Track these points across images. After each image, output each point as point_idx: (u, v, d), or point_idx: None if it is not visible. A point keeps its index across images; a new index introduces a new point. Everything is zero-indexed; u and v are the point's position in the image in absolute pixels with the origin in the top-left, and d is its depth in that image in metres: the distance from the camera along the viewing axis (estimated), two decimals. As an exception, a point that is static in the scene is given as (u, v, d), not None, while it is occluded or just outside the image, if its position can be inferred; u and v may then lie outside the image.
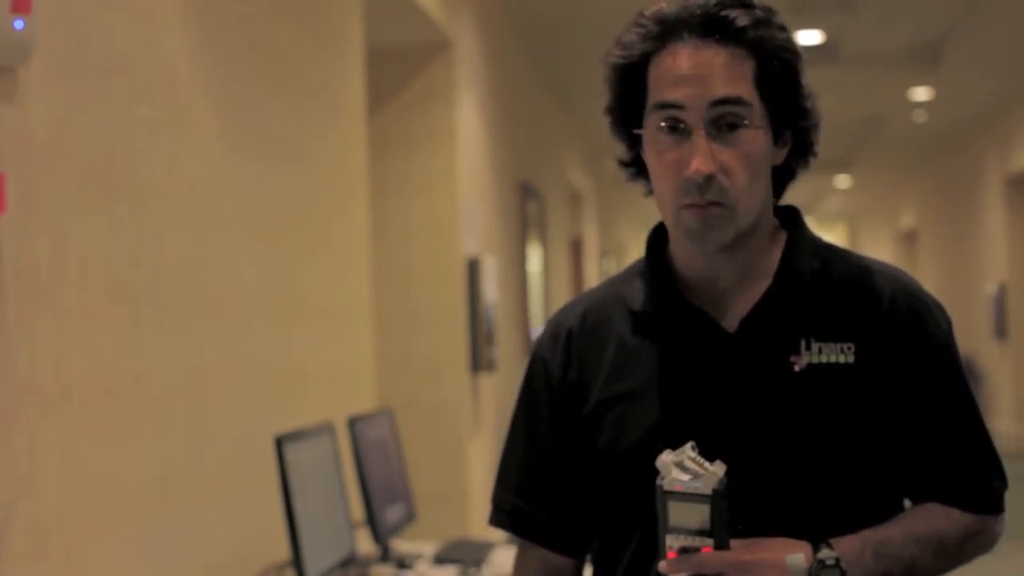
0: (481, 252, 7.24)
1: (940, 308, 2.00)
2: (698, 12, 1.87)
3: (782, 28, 1.90)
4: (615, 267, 18.60)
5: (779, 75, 1.87)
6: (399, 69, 6.77)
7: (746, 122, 1.85)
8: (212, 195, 3.66)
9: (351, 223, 5.08)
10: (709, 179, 1.83)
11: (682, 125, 1.86)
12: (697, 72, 1.85)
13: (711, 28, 1.86)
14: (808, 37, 10.06)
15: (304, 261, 4.47)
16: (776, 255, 1.98)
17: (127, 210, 3.09)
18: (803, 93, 1.91)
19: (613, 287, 2.09)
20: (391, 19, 6.18)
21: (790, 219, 2.03)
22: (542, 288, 10.92)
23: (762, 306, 1.94)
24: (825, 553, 1.81)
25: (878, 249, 24.80)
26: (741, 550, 1.79)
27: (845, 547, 1.83)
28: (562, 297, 12.21)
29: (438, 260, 6.76)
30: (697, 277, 1.98)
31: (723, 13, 1.86)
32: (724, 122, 1.84)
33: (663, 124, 1.87)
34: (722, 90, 1.84)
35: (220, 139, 3.72)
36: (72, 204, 2.83)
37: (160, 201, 3.29)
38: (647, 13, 1.91)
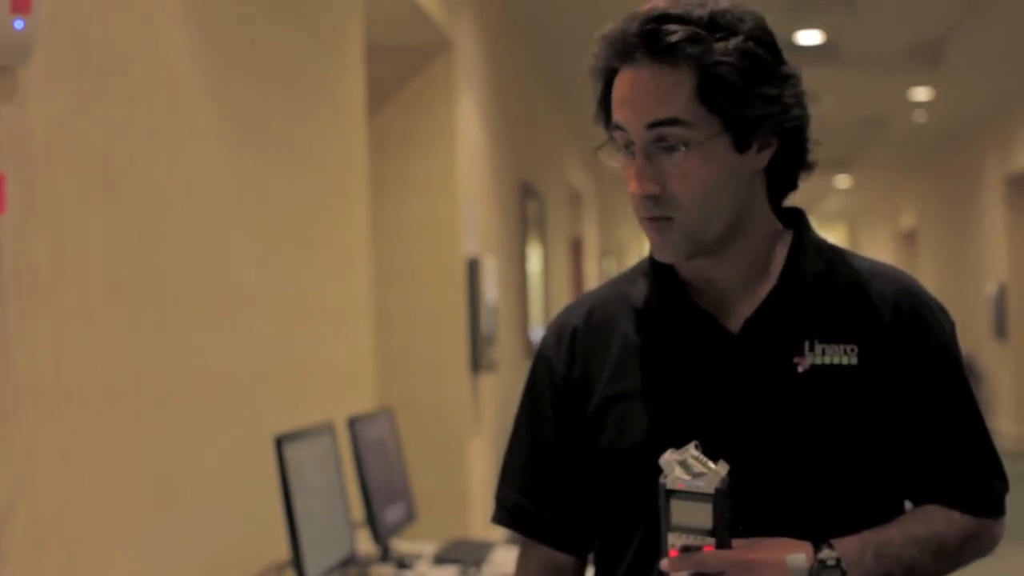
0: (481, 252, 7.24)
1: (943, 311, 2.00)
2: (640, 31, 1.87)
3: (730, 34, 1.86)
4: (615, 267, 18.60)
5: (722, 87, 1.85)
6: (399, 69, 6.77)
7: (685, 140, 1.85)
8: (212, 195, 3.66)
9: (351, 223, 5.08)
10: (653, 197, 1.87)
11: (631, 145, 1.89)
12: (634, 95, 1.88)
13: (650, 46, 1.86)
14: (808, 37, 10.06)
15: (304, 261, 4.47)
16: (780, 256, 1.98)
17: (127, 210, 3.09)
18: (755, 100, 1.87)
19: (617, 286, 2.10)
20: (391, 19, 6.18)
21: (795, 221, 2.03)
22: (542, 288, 10.92)
23: (766, 307, 1.94)
24: (826, 553, 1.81)
25: (878, 249, 24.81)
26: (742, 549, 1.79)
27: (846, 548, 1.83)
28: (562, 297, 12.21)
29: (438, 260, 6.76)
30: (697, 278, 1.98)
31: (658, 29, 1.86)
32: (662, 143, 1.86)
33: (620, 143, 1.92)
34: (655, 113, 1.86)
35: (220, 139, 3.72)
36: (72, 204, 2.83)
37: (160, 201, 3.29)
38: (603, 33, 1.93)
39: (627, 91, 1.88)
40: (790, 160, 1.98)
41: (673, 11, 1.87)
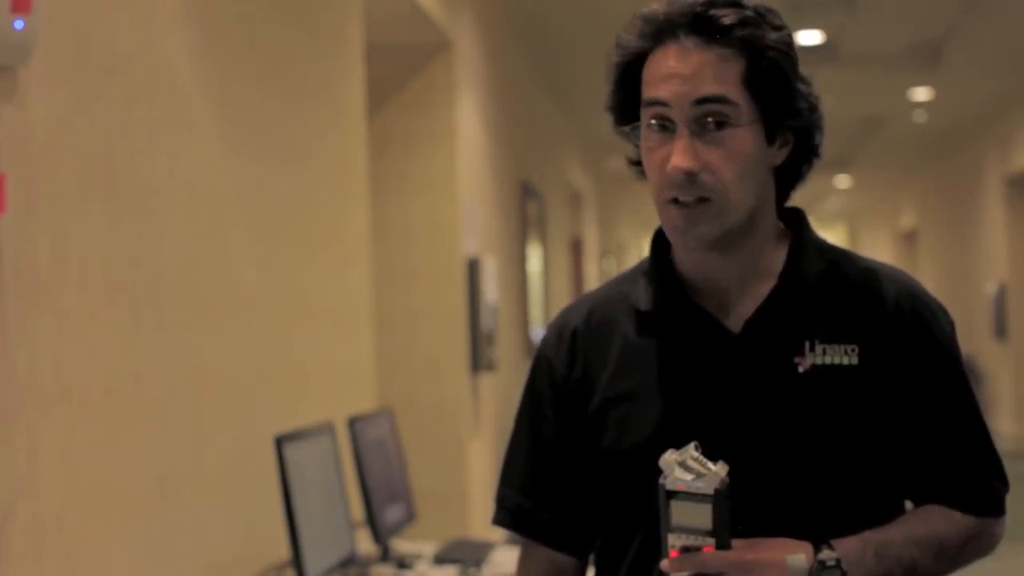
0: (481, 252, 7.24)
1: (944, 312, 2.00)
2: (688, 12, 1.89)
3: (776, 27, 1.90)
4: (615, 267, 18.61)
5: (769, 74, 1.87)
6: (399, 69, 6.78)
7: (731, 120, 1.85)
8: (212, 195, 3.66)
9: (351, 223, 5.08)
10: (691, 176, 1.85)
11: (669, 123, 1.88)
12: (683, 71, 1.87)
13: (700, 27, 1.87)
14: (808, 37, 10.06)
15: (304, 261, 4.47)
16: (781, 256, 1.98)
17: (127, 210, 3.09)
18: (795, 92, 1.91)
19: (618, 287, 2.10)
20: (391, 19, 6.18)
21: (796, 221, 2.03)
22: (542, 288, 10.92)
23: (766, 307, 1.94)
24: (826, 554, 1.81)
25: (878, 249, 24.81)
26: (742, 550, 1.80)
27: (846, 548, 1.84)
28: (562, 297, 12.21)
29: (438, 260, 6.77)
30: (700, 277, 1.98)
31: (711, 12, 1.88)
32: (708, 120, 1.86)
33: (652, 121, 1.90)
34: (706, 89, 1.85)
35: (220, 139, 3.72)
36: (72, 204, 2.83)
37: (160, 201, 3.29)
38: (642, 14, 1.93)
39: (674, 66, 1.87)
40: (800, 161, 1.98)
41: None
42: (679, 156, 1.85)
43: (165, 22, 3.37)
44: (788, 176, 2.00)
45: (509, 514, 2.13)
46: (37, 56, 2.63)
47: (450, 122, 6.81)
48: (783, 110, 1.90)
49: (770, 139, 1.91)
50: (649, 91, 1.90)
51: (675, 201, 1.87)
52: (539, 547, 2.12)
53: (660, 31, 1.89)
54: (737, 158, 1.86)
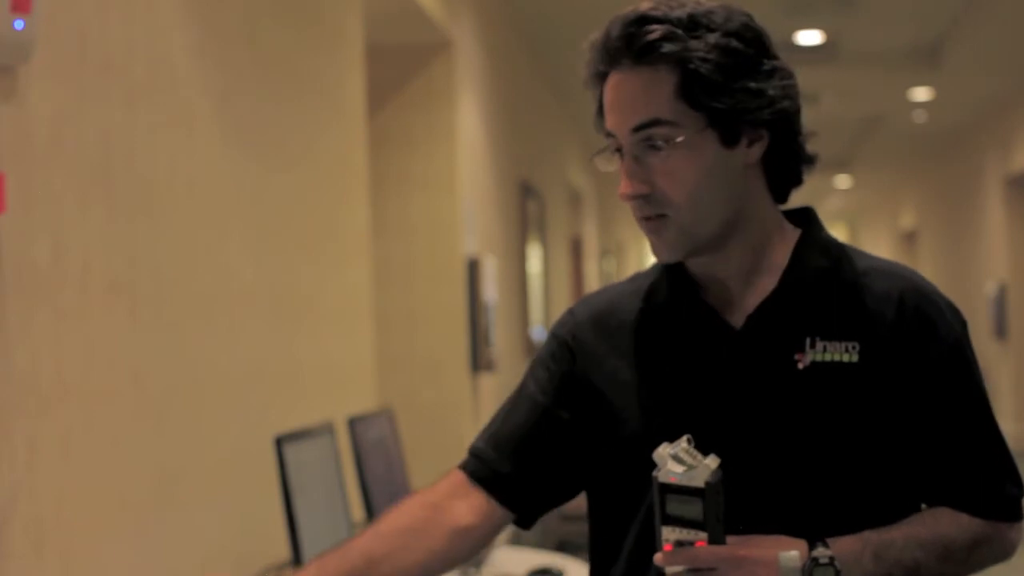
0: (481, 252, 7.24)
1: (953, 310, 1.99)
2: (622, 33, 1.90)
3: (712, 29, 1.87)
4: (615, 267, 18.61)
5: (701, 83, 1.86)
6: (399, 69, 6.78)
7: (671, 139, 1.86)
8: (211, 194, 3.66)
9: (351, 222, 5.08)
10: (644, 197, 1.90)
11: (620, 150, 1.92)
12: (618, 100, 1.91)
13: (631, 48, 1.88)
14: (808, 37, 10.06)
15: (304, 260, 4.47)
16: (785, 253, 1.98)
17: (126, 209, 3.09)
18: (744, 92, 1.87)
19: (636, 281, 2.13)
20: (391, 19, 6.18)
21: (804, 219, 2.04)
22: (542, 288, 10.92)
23: (768, 303, 1.95)
24: (820, 551, 1.81)
25: (878, 249, 24.81)
26: (735, 545, 1.80)
27: (843, 547, 1.83)
28: (562, 297, 12.22)
29: (438, 260, 6.77)
30: (703, 275, 1.99)
31: (636, 31, 1.88)
32: (648, 144, 1.88)
33: (612, 148, 1.95)
34: (638, 116, 1.88)
35: (220, 138, 3.72)
36: (71, 203, 2.83)
37: (159, 200, 3.29)
38: (591, 38, 1.96)
39: (612, 97, 1.92)
40: (785, 153, 1.97)
41: (652, 12, 1.89)
42: (624, 184, 1.91)
43: (165, 22, 3.37)
44: (778, 169, 1.98)
45: (471, 457, 2.13)
46: (37, 56, 2.63)
47: (450, 121, 6.81)
48: (732, 113, 1.88)
49: (731, 141, 1.90)
50: (605, 121, 1.95)
51: (641, 218, 1.93)
52: (476, 489, 2.10)
53: (605, 58, 1.92)
54: (684, 173, 1.88)
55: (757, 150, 1.94)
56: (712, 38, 1.87)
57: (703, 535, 1.77)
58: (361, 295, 5.17)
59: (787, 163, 1.99)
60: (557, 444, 2.06)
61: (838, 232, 30.11)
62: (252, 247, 3.97)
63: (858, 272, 1.98)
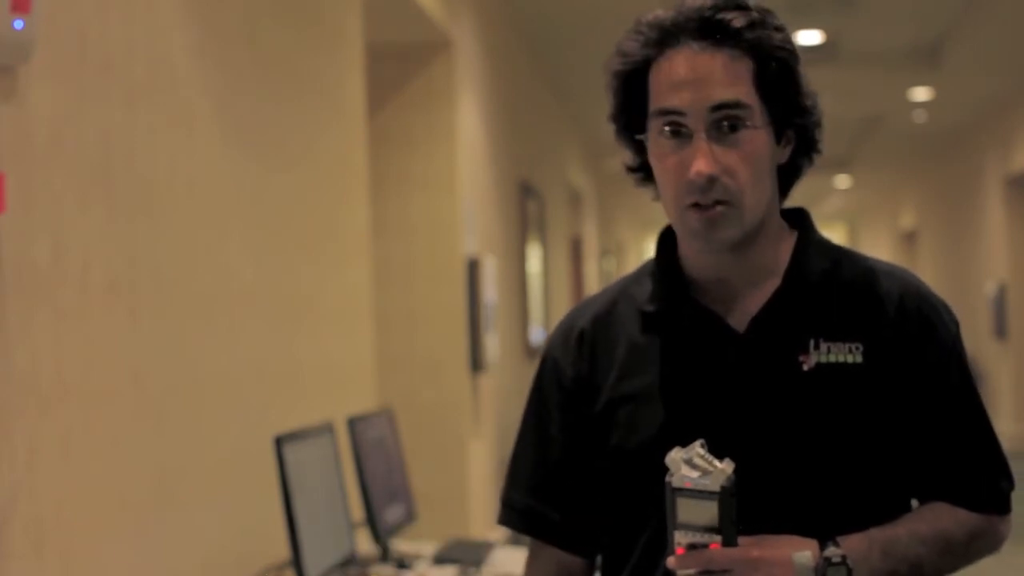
0: (481, 252, 7.24)
1: (948, 310, 2.01)
2: (695, 16, 1.89)
3: (778, 28, 1.91)
4: (615, 267, 18.61)
5: (777, 75, 1.89)
6: (399, 68, 6.77)
7: (747, 123, 1.86)
8: (211, 194, 3.66)
9: (351, 222, 5.08)
10: (712, 180, 1.85)
11: (683, 130, 1.88)
12: (695, 77, 1.87)
13: (708, 31, 1.87)
14: (808, 37, 10.06)
15: (303, 260, 4.47)
16: (784, 255, 1.99)
17: (126, 209, 3.09)
18: (802, 91, 1.92)
19: (624, 288, 2.11)
20: (391, 18, 6.18)
21: (799, 220, 2.04)
22: (542, 288, 10.92)
23: (772, 306, 1.95)
24: (832, 551, 1.82)
25: (878, 249, 24.82)
26: (748, 547, 1.80)
27: (852, 545, 1.84)
28: (562, 297, 12.22)
29: (438, 259, 6.77)
30: (706, 278, 1.99)
31: (719, 16, 1.88)
32: (724, 124, 1.86)
33: (665, 129, 1.89)
34: (721, 94, 1.86)
35: (219, 138, 3.72)
36: (71, 203, 2.83)
37: (159, 200, 3.29)
38: (645, 19, 1.92)
39: (685, 73, 1.87)
40: (800, 158, 1.99)
41: (726, 1, 1.89)
42: (701, 162, 1.85)
43: (165, 22, 3.37)
44: (788, 173, 2.01)
45: (518, 515, 2.13)
46: (37, 56, 2.63)
47: (450, 121, 6.81)
48: (792, 110, 1.91)
49: (778, 138, 1.92)
50: (660, 100, 1.89)
51: (695, 206, 1.87)
52: (548, 548, 2.12)
53: (665, 37, 1.89)
54: (753, 160, 1.87)
55: (787, 152, 1.96)
56: (782, 34, 1.90)
57: (716, 538, 1.78)
58: (361, 295, 5.17)
59: (798, 170, 2.00)
60: (588, 475, 2.07)
61: (838, 232, 30.16)
62: (252, 247, 3.97)
63: (858, 273, 1.99)
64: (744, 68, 1.87)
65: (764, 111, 1.88)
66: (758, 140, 1.87)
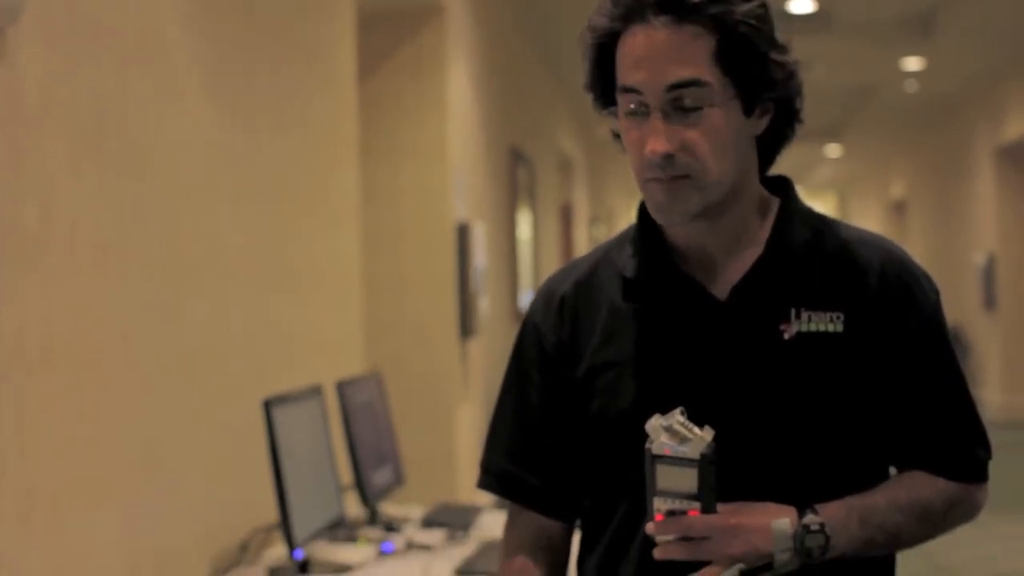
0: (471, 217, 7.24)
1: (928, 279, 2.01)
2: None
3: (745, 0, 1.88)
4: (604, 233, 18.60)
5: (741, 49, 1.86)
6: (390, 34, 6.76)
7: (704, 101, 1.85)
8: (201, 159, 3.65)
9: (340, 187, 5.08)
10: (668, 157, 1.86)
11: (642, 108, 1.88)
12: (651, 55, 1.86)
13: (669, 7, 1.86)
14: (800, 5, 10.04)
15: (293, 225, 4.47)
16: (766, 224, 1.99)
17: (116, 173, 3.09)
18: (769, 64, 1.90)
19: (605, 253, 2.11)
20: (382, -17, 6.16)
21: (782, 189, 2.04)
22: (532, 254, 10.92)
23: (753, 274, 1.95)
24: (810, 518, 1.83)
25: (868, 219, 24.82)
26: (727, 514, 1.81)
27: (830, 513, 1.85)
28: (551, 263, 12.22)
29: (428, 225, 6.76)
30: (686, 245, 1.99)
31: None
32: (680, 104, 1.86)
33: (630, 106, 1.89)
34: (677, 73, 1.85)
35: (210, 103, 3.72)
36: (61, 166, 2.83)
37: (150, 164, 3.28)
38: None
39: (643, 52, 1.87)
40: (781, 129, 1.99)
41: None
42: (654, 141, 1.86)
43: (155, -16, 3.36)
44: (770, 143, 2.00)
45: (496, 479, 2.15)
46: (27, 17, 2.62)
47: (441, 88, 6.79)
48: (758, 84, 1.90)
49: (748, 111, 1.91)
50: (622, 77, 1.90)
51: (656, 179, 1.88)
52: (526, 512, 2.13)
53: (629, 12, 1.88)
54: (712, 136, 1.87)
55: (764, 122, 1.95)
56: (747, 6, 1.87)
57: (695, 505, 1.79)
58: (350, 260, 5.17)
59: (781, 138, 2.00)
60: (567, 440, 2.07)
61: (828, 202, 30.12)
62: (242, 212, 3.97)
63: (839, 243, 1.99)
64: (703, 44, 1.85)
65: (728, 85, 1.87)
66: (718, 117, 1.86)
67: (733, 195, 1.94)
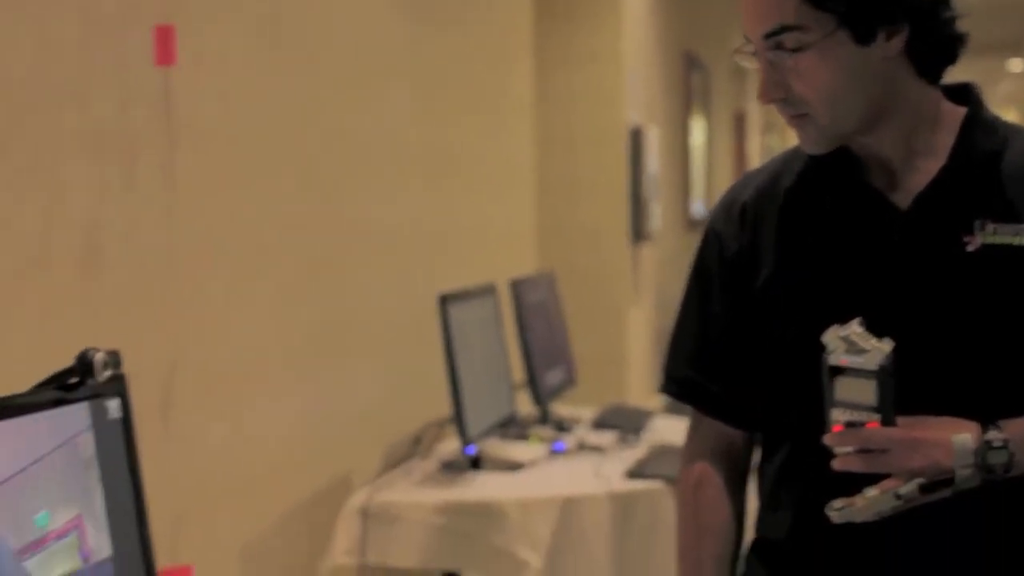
0: (644, 122, 7.18)
1: None
2: None
3: None
4: (778, 143, 18.39)
5: None
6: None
7: (802, 44, 1.82)
8: (374, 51, 3.66)
9: (512, 88, 5.08)
10: (782, 101, 1.86)
11: (756, 53, 1.88)
12: (748, 6, 1.87)
13: None
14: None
15: (466, 123, 4.48)
16: (949, 133, 1.93)
17: (292, 63, 3.11)
18: None
19: (786, 163, 2.07)
20: None
21: (966, 95, 1.98)
22: (704, 162, 10.83)
23: (937, 184, 1.90)
24: (993, 434, 1.77)
25: (1051, 130, 24.19)
26: (908, 427, 1.77)
27: (1014, 430, 1.79)
28: (724, 171, 12.11)
29: (601, 128, 6.72)
30: (866, 155, 1.94)
31: None
32: (781, 48, 1.83)
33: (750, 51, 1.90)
34: (768, 23, 1.83)
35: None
36: (238, 57, 2.85)
37: (324, 55, 3.30)
38: None
39: (745, 2, 1.87)
40: (930, 40, 1.91)
41: None
42: (760, 91, 1.87)
43: None
44: (925, 55, 1.92)
45: (678, 385, 2.14)
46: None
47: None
48: (861, 11, 1.83)
49: (864, 38, 1.84)
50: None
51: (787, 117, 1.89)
52: (707, 419, 2.12)
53: None
54: (817, 75, 1.83)
55: (897, 43, 1.88)
56: None
57: (874, 417, 1.75)
58: (521, 160, 5.17)
59: (935, 48, 1.93)
60: (747, 348, 2.06)
61: (1009, 119, 29.39)
62: (415, 105, 3.98)
63: None
64: None
65: (829, 20, 1.82)
66: (820, 57, 1.82)
67: (879, 116, 1.89)
